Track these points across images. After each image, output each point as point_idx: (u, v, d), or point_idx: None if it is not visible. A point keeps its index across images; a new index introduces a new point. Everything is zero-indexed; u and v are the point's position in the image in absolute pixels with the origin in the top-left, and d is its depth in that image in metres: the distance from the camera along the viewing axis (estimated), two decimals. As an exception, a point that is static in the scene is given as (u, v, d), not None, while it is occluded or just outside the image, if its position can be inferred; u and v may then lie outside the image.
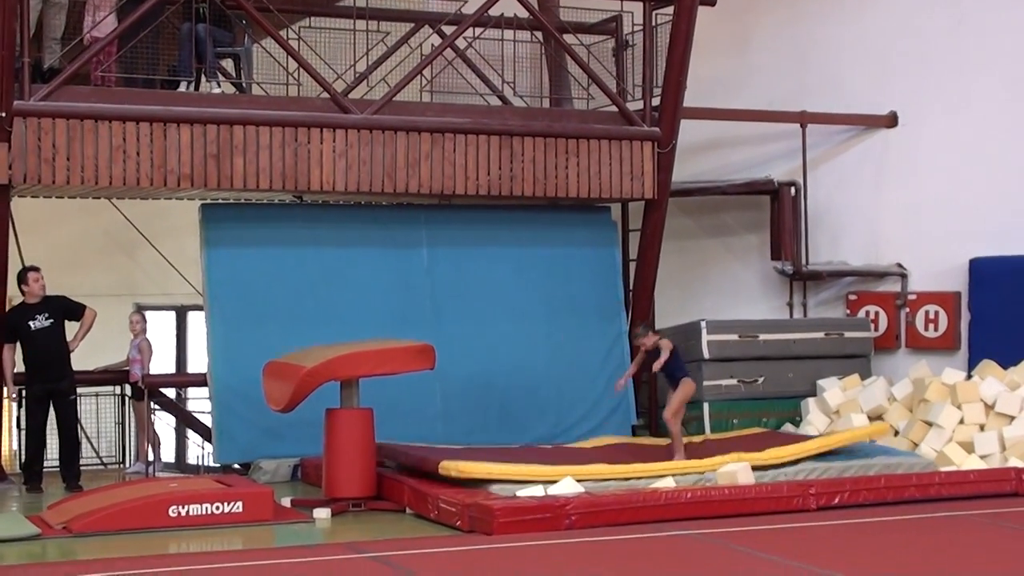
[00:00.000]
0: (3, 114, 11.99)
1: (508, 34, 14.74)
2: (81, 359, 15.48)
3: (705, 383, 14.59)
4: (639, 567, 9.35)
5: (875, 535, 10.40)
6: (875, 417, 14.11)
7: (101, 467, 15.35)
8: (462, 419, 14.12)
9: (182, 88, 13.27)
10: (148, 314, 15.73)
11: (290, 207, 14.74)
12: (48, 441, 13.93)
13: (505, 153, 13.95)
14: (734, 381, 14.65)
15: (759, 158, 16.62)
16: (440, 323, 14.23)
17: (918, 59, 15.38)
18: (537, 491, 11.08)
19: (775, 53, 16.82)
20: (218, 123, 12.87)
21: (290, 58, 13.32)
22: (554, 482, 11.26)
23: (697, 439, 13.83)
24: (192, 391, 17.30)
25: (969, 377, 13.81)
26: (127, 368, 14.54)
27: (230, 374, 13.50)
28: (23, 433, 14.68)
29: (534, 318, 14.70)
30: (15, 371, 13.20)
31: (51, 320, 12.99)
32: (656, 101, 14.52)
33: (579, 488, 11.17)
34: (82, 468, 13.65)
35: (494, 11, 14.15)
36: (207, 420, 14.15)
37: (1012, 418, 13.17)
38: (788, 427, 14.60)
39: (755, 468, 11.86)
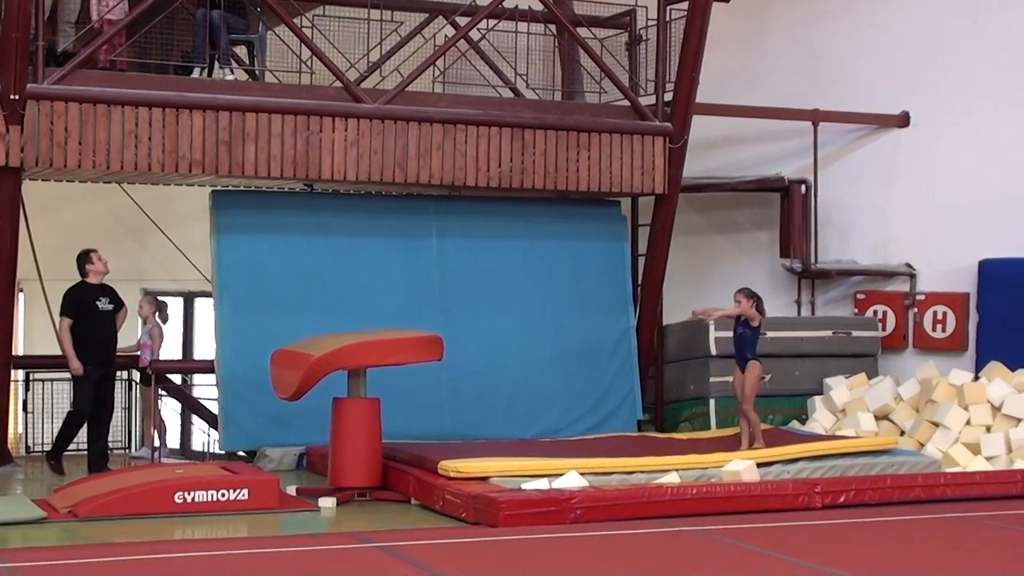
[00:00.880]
0: (16, 97, 12.00)
1: (522, 26, 14.73)
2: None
3: (712, 379, 14.61)
4: (645, 562, 9.35)
5: (880, 535, 10.39)
6: (881, 417, 14.11)
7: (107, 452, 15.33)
8: (469, 411, 14.12)
9: (195, 74, 13.27)
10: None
11: (301, 195, 14.74)
12: (54, 424, 13.97)
13: (516, 145, 13.95)
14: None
15: (770, 155, 16.60)
16: (448, 314, 14.23)
17: (931, 59, 15.36)
18: (542, 484, 11.08)
19: (788, 51, 16.80)
20: (230, 110, 12.87)
21: (303, 46, 13.32)
22: (557, 476, 11.26)
23: (702, 434, 13.83)
24: (199, 378, 17.32)
25: (976, 378, 13.80)
26: (137, 353, 14.54)
27: (237, 361, 13.51)
28: (29, 416, 14.74)
29: (542, 311, 14.70)
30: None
31: (112, 304, 13.00)
32: (668, 96, 14.51)
33: (583, 482, 11.17)
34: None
35: (508, 3, 14.14)
36: (213, 407, 14.16)
37: (1019, 420, 13.17)
38: (794, 425, 14.59)
39: (760, 465, 11.86)
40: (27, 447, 15.17)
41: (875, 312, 15.52)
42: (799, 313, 16.09)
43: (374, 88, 13.71)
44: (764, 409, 14.65)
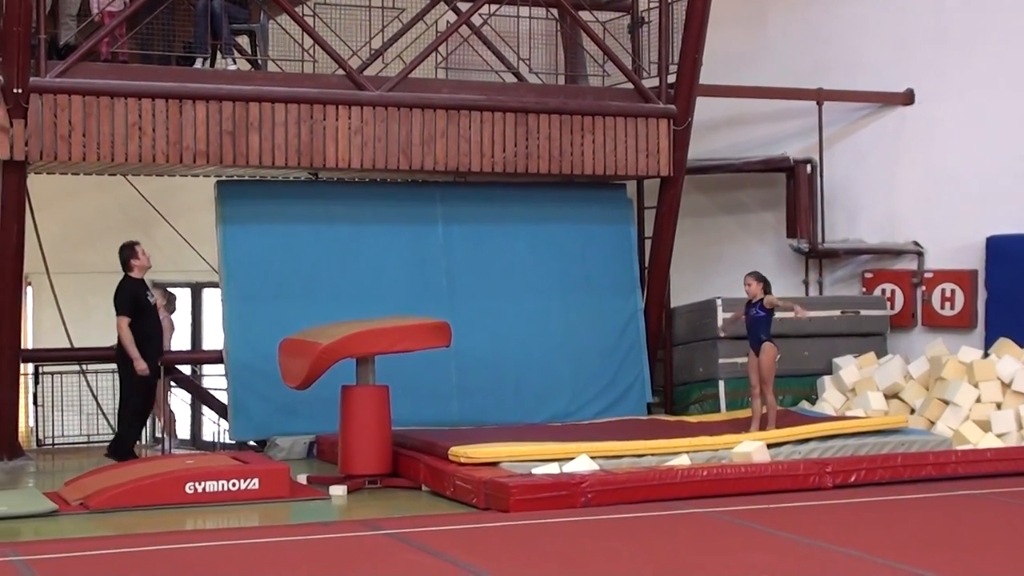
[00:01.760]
0: (19, 90, 11.99)
1: (524, 11, 14.70)
2: (99, 336, 15.56)
3: (720, 361, 14.60)
4: (656, 544, 9.35)
5: (891, 513, 10.39)
6: (891, 395, 14.10)
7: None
8: (477, 396, 14.12)
9: (197, 65, 13.25)
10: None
11: (305, 184, 14.73)
12: (64, 417, 13.98)
13: (520, 130, 13.93)
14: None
15: (775, 135, 16.57)
16: (456, 300, 14.23)
17: (935, 36, 15.31)
18: (552, 469, 11.08)
19: (791, 30, 16.75)
20: (234, 100, 12.86)
21: (305, 35, 13.30)
22: (567, 460, 11.26)
23: (712, 417, 13.82)
24: (208, 368, 17.34)
25: (986, 355, 13.78)
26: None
27: (246, 351, 13.52)
28: (39, 410, 14.75)
29: (549, 295, 14.69)
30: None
31: (154, 299, 12.97)
32: (672, 78, 14.48)
33: (594, 465, 11.17)
34: (99, 444, 13.69)
35: (510, -12, 14.11)
36: (223, 397, 14.17)
37: (1029, 396, 13.16)
38: (804, 405, 14.58)
39: (770, 446, 11.86)
40: (38, 440, 15.21)
41: (883, 291, 15.50)
42: (807, 293, 16.07)
43: (377, 75, 13.69)
44: (774, 390, 14.62)
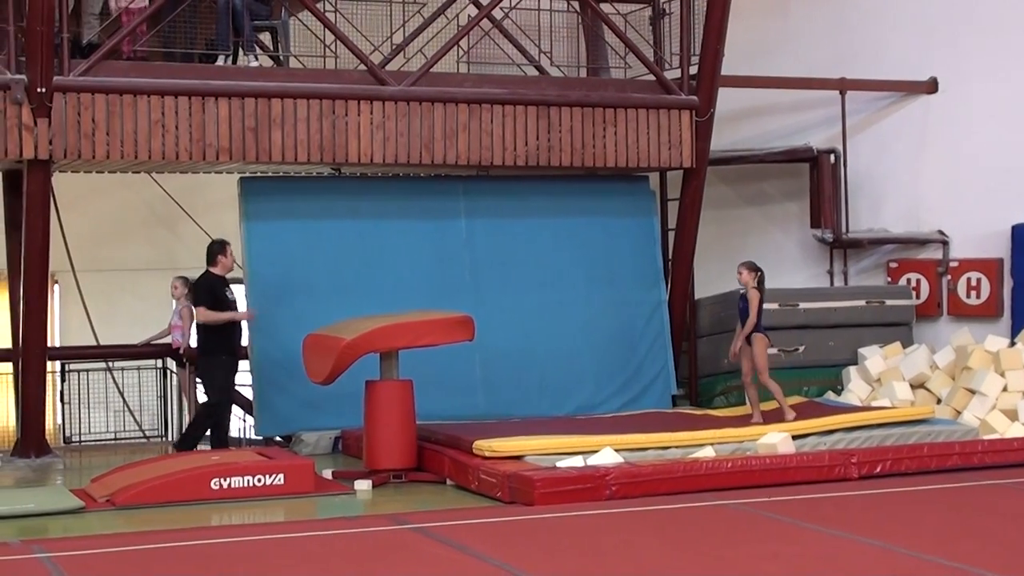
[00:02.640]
0: (43, 90, 12.04)
1: (544, 4, 14.68)
2: (123, 333, 15.62)
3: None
4: (681, 537, 9.34)
5: (918, 504, 10.36)
6: (917, 385, 14.04)
7: (144, 440, 15.46)
8: (502, 390, 14.13)
9: (220, 62, 13.29)
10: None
11: (328, 180, 14.76)
12: (91, 414, 14.04)
13: (543, 123, 13.92)
14: (775, 350, 14.55)
15: (798, 125, 16.51)
16: (479, 294, 14.24)
17: (959, 24, 15.22)
18: (577, 462, 11.08)
19: (813, 19, 16.68)
20: (256, 96, 12.89)
21: (327, 31, 13.32)
22: (592, 453, 11.26)
23: (738, 410, 13.80)
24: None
25: (1012, 344, 13.72)
26: (169, 335, 14.52)
27: (270, 347, 13.55)
28: (66, 407, 14.83)
29: (573, 288, 14.68)
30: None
31: (233, 296, 13.06)
32: (694, 69, 14.44)
33: (618, 458, 11.17)
34: (126, 441, 13.75)
35: (530, -20, 14.09)
36: (248, 393, 14.21)
37: (1056, 385, 13.10)
38: (829, 395, 14.54)
39: (795, 437, 11.83)
40: (64, 438, 15.30)
41: (908, 280, 15.44)
42: (831, 283, 16.02)
43: (398, 70, 13.70)
44: (799, 380, 14.66)
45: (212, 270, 12.99)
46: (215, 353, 12.86)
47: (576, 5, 15.01)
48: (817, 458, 11.35)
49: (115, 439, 15.17)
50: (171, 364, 15.19)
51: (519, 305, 14.42)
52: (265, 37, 14.10)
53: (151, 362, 15.87)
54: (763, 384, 12.77)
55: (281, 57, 13.84)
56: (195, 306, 12.92)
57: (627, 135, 14.23)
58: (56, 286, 18.99)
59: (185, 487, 10.78)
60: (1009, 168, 14.65)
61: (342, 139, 13.19)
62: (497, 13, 14.39)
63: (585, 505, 10.24)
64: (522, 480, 10.50)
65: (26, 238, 12.65)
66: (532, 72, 14.92)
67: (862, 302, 15.08)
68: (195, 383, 14.72)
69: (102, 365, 15.54)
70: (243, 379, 13.59)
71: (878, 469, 11.36)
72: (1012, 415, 13.04)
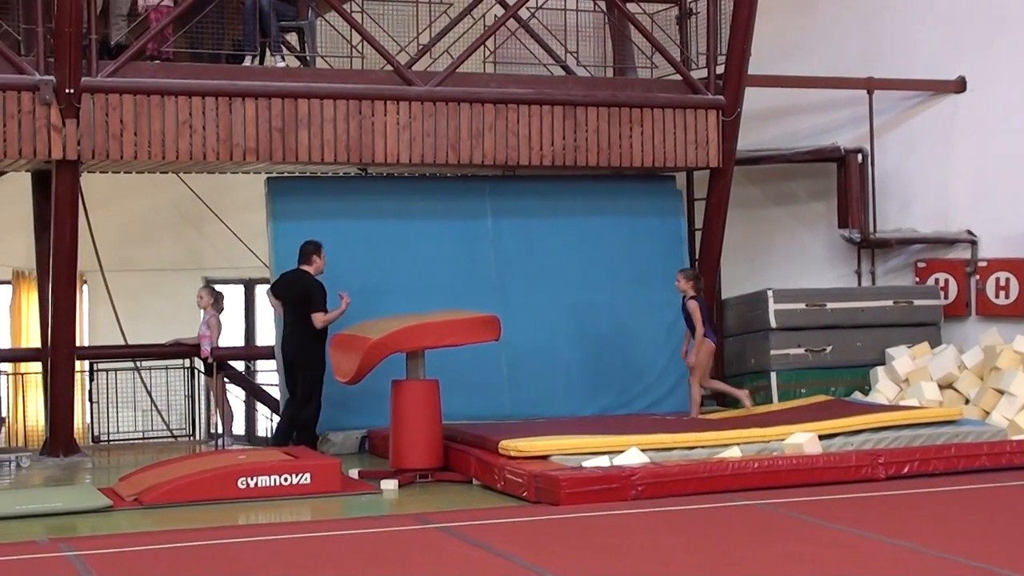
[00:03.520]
0: (71, 90, 12.10)
1: (571, 4, 14.67)
2: (151, 333, 15.69)
3: (772, 352, 14.53)
4: (707, 537, 9.33)
5: (945, 505, 10.32)
6: (945, 386, 13.98)
7: (172, 440, 15.53)
8: (528, 390, 14.13)
9: (247, 62, 13.33)
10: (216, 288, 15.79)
11: (355, 180, 14.79)
12: (119, 413, 14.08)
13: (569, 123, 13.91)
14: (801, 350, 14.57)
15: (825, 125, 16.46)
16: (505, 294, 14.24)
17: (987, 23, 15.15)
18: (603, 462, 11.07)
19: (841, 18, 16.63)
20: (283, 97, 12.93)
21: (354, 31, 13.35)
22: (617, 452, 11.25)
23: (763, 409, 13.76)
24: (260, 364, 17.45)
25: (1041, 344, 13.65)
26: (198, 343, 14.61)
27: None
28: (95, 407, 14.90)
29: (599, 288, 14.67)
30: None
31: None
32: (720, 69, 14.41)
33: (644, 458, 11.15)
34: (153, 440, 13.80)
35: (556, -19, 14.09)
36: (275, 392, 14.25)
37: (1085, 385, 13.02)
38: (857, 396, 14.49)
39: (822, 438, 11.79)
40: (93, 437, 15.37)
41: (936, 280, 15.37)
42: (859, 283, 15.96)
43: (425, 71, 13.72)
44: (826, 381, 14.64)
45: (306, 269, 12.88)
46: (319, 355, 12.72)
47: (602, 5, 14.99)
48: (844, 458, 11.30)
49: (143, 438, 15.23)
50: (198, 364, 15.25)
51: (545, 305, 14.41)
52: (292, 38, 14.15)
53: (179, 361, 15.95)
54: (690, 382, 13.25)
55: (308, 57, 13.87)
56: (314, 309, 12.64)
57: (654, 135, 14.21)
58: (84, 286, 19.09)
59: (212, 486, 10.81)
60: (1038, 168, 14.58)
61: (368, 139, 13.21)
62: (523, 13, 14.39)
63: (611, 505, 10.24)
64: (548, 480, 10.50)
65: (55, 238, 12.72)
66: (558, 72, 14.91)
67: (890, 302, 15.02)
68: (225, 389, 14.80)
69: (130, 364, 15.61)
70: (271, 379, 13.64)
71: (905, 470, 11.31)
72: (1041, 416, 12.98)
